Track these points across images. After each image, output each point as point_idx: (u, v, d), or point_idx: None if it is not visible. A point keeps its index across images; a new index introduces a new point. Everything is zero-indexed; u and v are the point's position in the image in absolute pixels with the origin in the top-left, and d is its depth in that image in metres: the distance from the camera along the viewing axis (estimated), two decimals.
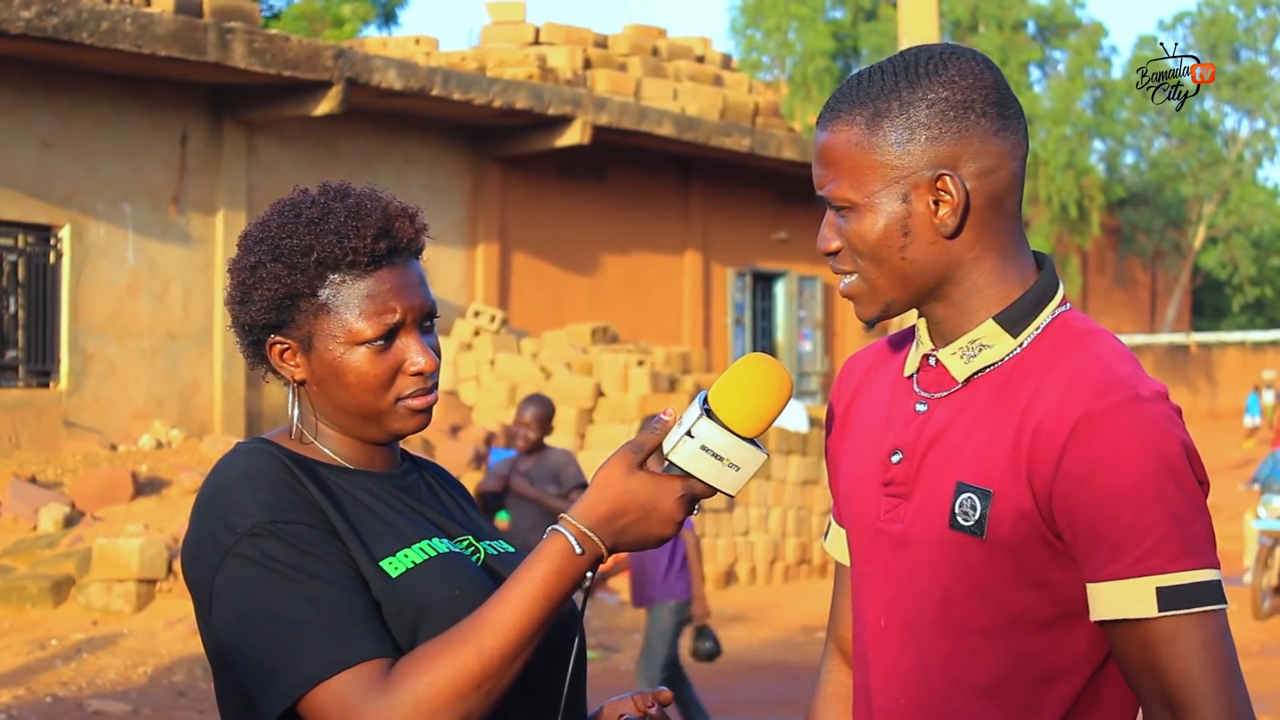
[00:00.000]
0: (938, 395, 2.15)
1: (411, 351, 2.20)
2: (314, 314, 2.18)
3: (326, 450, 2.23)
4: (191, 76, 16.26)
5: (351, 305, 2.17)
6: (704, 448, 2.05)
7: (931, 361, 2.17)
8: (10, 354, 15.59)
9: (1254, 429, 37.23)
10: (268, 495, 2.08)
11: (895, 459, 2.16)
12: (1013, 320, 2.12)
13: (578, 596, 2.13)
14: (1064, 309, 2.15)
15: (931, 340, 2.18)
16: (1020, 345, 2.12)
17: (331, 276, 2.17)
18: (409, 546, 2.13)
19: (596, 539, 2.05)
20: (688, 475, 2.07)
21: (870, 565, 2.19)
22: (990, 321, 2.12)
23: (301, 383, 2.22)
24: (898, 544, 2.14)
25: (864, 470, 2.21)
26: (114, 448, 15.54)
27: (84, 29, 14.59)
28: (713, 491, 2.07)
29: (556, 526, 2.06)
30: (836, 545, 2.40)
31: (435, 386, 2.23)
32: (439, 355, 2.24)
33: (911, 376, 2.20)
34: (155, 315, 16.47)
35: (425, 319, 2.23)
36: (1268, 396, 38.64)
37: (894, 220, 2.09)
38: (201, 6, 15.99)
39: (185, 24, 15.36)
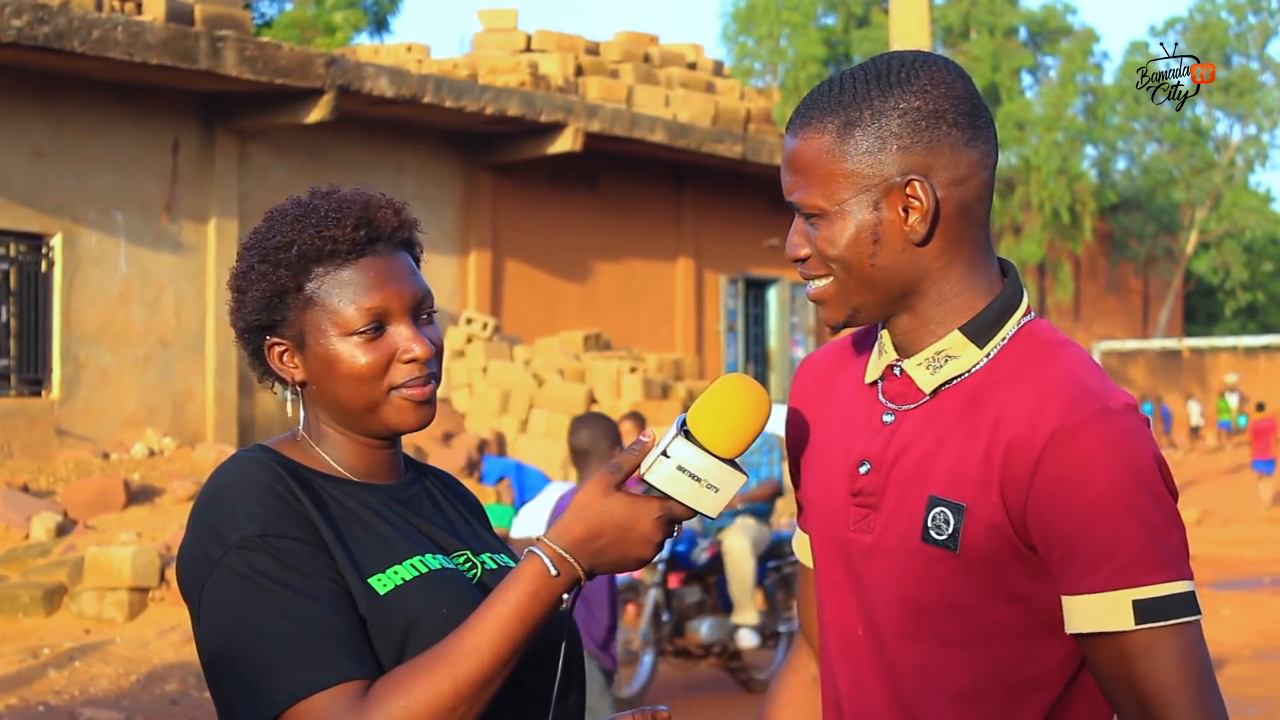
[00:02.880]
0: (905, 407, 2.14)
1: (403, 338, 2.17)
2: (302, 309, 2.17)
3: (328, 458, 2.21)
4: (183, 85, 16.25)
5: (335, 295, 2.16)
6: (680, 468, 2.03)
7: (896, 371, 2.17)
8: (2, 363, 15.57)
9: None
10: (259, 507, 2.07)
11: (863, 469, 2.15)
12: (979, 331, 2.12)
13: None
14: (1029, 318, 2.15)
15: (895, 350, 2.18)
16: (987, 356, 2.11)
17: (315, 269, 2.17)
18: (399, 563, 2.12)
19: (573, 560, 2.03)
20: (666, 496, 2.05)
21: (838, 574, 2.19)
22: (956, 332, 2.12)
23: (302, 384, 2.21)
24: (868, 554, 2.13)
25: (830, 479, 2.21)
26: (106, 456, 15.52)
27: (75, 37, 14.58)
28: (692, 513, 2.05)
29: (533, 548, 2.04)
30: (802, 549, 2.41)
31: (434, 378, 2.19)
32: (440, 347, 2.21)
33: (875, 385, 2.19)
34: (148, 324, 16.46)
35: (419, 309, 2.20)
36: (1231, 400, 38.48)
37: (864, 228, 2.08)
38: (193, 14, 15.99)
39: (176, 32, 15.35)
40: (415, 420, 2.19)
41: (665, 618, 10.13)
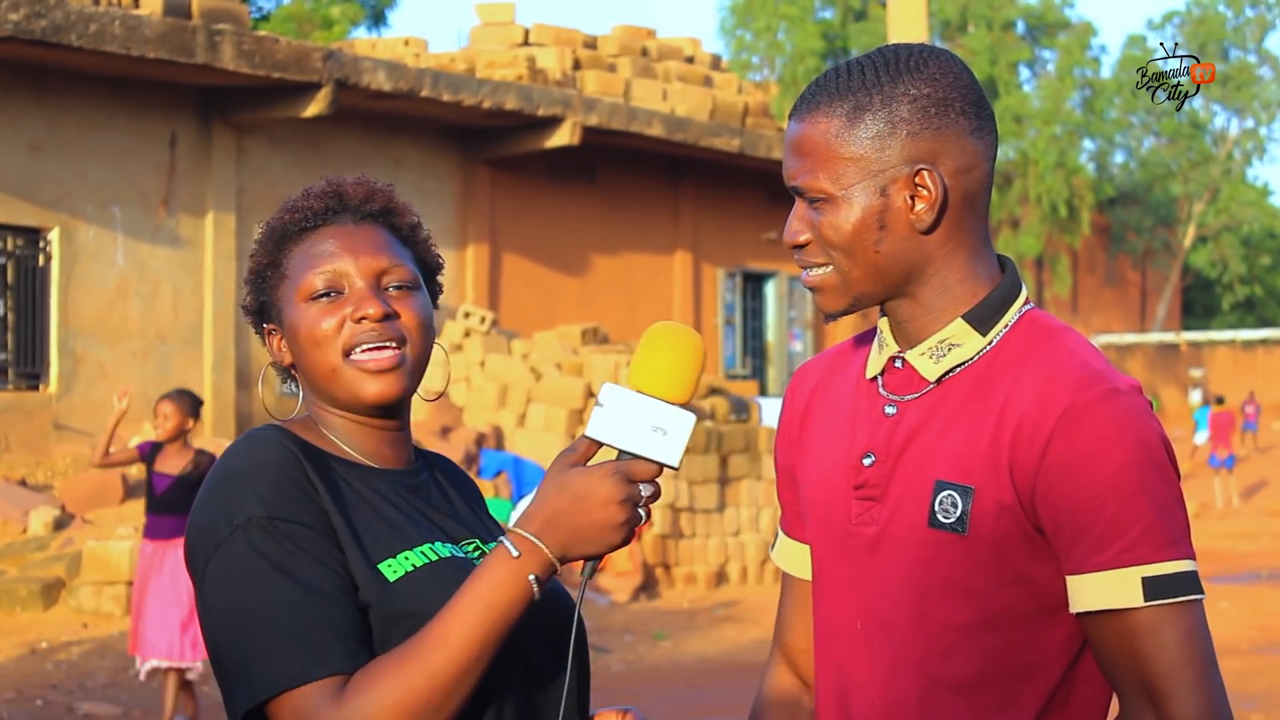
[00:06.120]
0: (907, 397, 2.14)
1: (357, 298, 2.16)
2: (278, 285, 2.21)
3: (337, 441, 2.20)
4: (180, 78, 16.24)
5: (299, 263, 2.19)
6: (616, 413, 1.99)
7: (898, 363, 2.16)
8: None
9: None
10: (270, 489, 2.05)
11: (867, 462, 2.14)
12: (982, 318, 2.12)
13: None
14: (1028, 307, 2.16)
15: (896, 342, 2.18)
16: (990, 343, 2.12)
17: (288, 246, 2.21)
18: (410, 549, 2.11)
19: (536, 541, 1.99)
20: (621, 454, 2.00)
21: (840, 570, 2.18)
22: (959, 320, 2.12)
23: (294, 366, 2.22)
24: (871, 546, 2.13)
25: (831, 476, 2.20)
26: None
27: (72, 31, 14.57)
28: (655, 467, 1.99)
29: (501, 537, 2.03)
30: (787, 557, 2.38)
31: (397, 345, 2.16)
32: (420, 321, 2.19)
33: (875, 379, 2.19)
34: (145, 317, 16.45)
35: (383, 277, 2.19)
36: (1194, 396, 37.97)
37: (870, 213, 2.08)
38: (190, 8, 15.97)
39: (174, 26, 15.34)
40: (373, 392, 2.15)
41: None
